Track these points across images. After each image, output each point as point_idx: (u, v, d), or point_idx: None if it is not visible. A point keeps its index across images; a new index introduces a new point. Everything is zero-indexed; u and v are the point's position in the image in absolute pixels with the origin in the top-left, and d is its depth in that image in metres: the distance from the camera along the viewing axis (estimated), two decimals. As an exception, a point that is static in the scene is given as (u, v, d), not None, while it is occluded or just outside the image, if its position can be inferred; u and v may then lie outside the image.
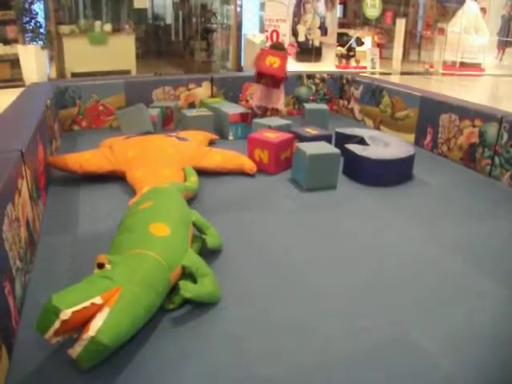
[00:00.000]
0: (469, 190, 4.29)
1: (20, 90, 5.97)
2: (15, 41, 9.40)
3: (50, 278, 2.66)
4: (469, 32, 14.95)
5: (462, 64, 14.93)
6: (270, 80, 5.43)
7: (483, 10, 16.01)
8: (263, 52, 5.54)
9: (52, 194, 3.82)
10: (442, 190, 4.26)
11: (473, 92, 11.54)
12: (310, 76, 6.99)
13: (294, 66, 11.58)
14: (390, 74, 13.15)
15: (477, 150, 4.69)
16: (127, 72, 10.58)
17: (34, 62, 8.97)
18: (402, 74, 13.45)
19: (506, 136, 4.37)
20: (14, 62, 9.39)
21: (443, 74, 13.98)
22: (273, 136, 4.44)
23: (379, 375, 2.03)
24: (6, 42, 9.66)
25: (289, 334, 2.26)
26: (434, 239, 3.28)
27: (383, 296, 2.60)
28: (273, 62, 5.28)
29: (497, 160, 4.48)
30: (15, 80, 9.23)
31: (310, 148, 4.08)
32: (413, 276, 2.82)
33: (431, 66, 14.43)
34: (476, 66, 15.26)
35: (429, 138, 5.34)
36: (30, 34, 8.98)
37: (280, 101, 5.74)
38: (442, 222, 3.58)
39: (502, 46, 17.39)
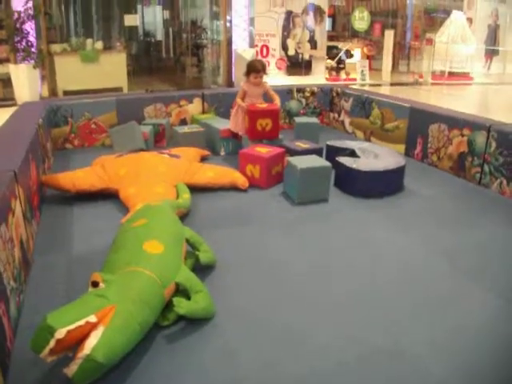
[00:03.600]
0: (459, 198, 4.33)
1: (12, 109, 5.99)
2: (7, 60, 9.45)
3: (45, 297, 2.66)
4: (456, 42, 15.11)
5: (451, 73, 15.08)
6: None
7: (469, 19, 16.22)
8: (251, 115, 4.97)
9: (45, 213, 3.83)
10: (433, 199, 4.30)
11: (462, 101, 11.63)
12: (300, 90, 7.04)
13: (284, 79, 11.69)
14: (380, 85, 13.25)
15: (466, 159, 4.74)
16: (119, 89, 10.64)
17: (25, 80, 9.02)
18: (392, 84, 13.56)
19: (494, 144, 4.42)
20: (6, 81, 9.43)
21: (432, 84, 14.10)
22: (264, 151, 4.48)
23: (373, 383, 2.05)
24: (-2, 61, 9.70)
25: (284, 347, 2.28)
26: (426, 249, 3.31)
27: (376, 305, 2.62)
28: (264, 125, 4.97)
29: (486, 168, 4.54)
30: (7, 99, 9.28)
31: (301, 162, 4.11)
32: (405, 285, 2.84)
33: (420, 76, 14.56)
34: (464, 75, 15.43)
35: (419, 148, 5.40)
36: (22, 54, 9.03)
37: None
38: (433, 231, 3.61)
39: (489, 54, 17.60)
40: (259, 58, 11.31)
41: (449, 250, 3.30)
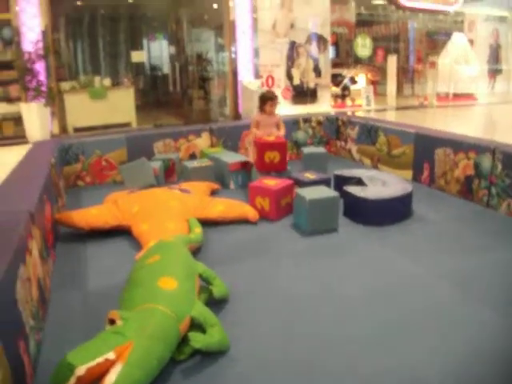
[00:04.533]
0: (468, 222, 4.36)
1: (23, 146, 6.11)
2: (18, 99, 9.66)
3: (63, 334, 2.72)
4: (459, 63, 15.24)
5: (456, 95, 15.18)
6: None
7: (471, 41, 16.39)
8: (260, 146, 5.13)
9: (60, 251, 3.89)
10: (443, 224, 4.33)
11: (468, 122, 11.69)
12: (307, 120, 7.14)
13: (290, 109, 11.81)
14: (385, 109, 13.36)
15: (473, 182, 4.78)
16: (128, 124, 10.81)
17: (36, 119, 9.21)
18: (398, 108, 13.66)
19: (500, 166, 4.47)
20: (17, 120, 9.61)
21: (438, 106, 14.19)
22: (272, 183, 4.54)
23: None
24: (10, 100, 9.90)
25: (298, 377, 2.31)
26: (438, 274, 3.33)
27: (388, 332, 2.65)
28: (272, 157, 5.08)
29: (493, 190, 4.57)
30: (18, 137, 9.45)
31: (310, 193, 4.17)
32: (418, 311, 2.86)
33: (425, 99, 14.66)
34: (469, 96, 15.52)
35: (426, 173, 5.44)
36: (33, 93, 9.23)
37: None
38: (444, 256, 3.63)
39: (493, 74, 17.76)
40: (265, 88, 11.46)
41: (461, 276, 3.31)
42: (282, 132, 5.41)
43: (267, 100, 5.35)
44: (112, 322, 2.24)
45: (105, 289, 3.24)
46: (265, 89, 11.17)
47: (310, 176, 4.90)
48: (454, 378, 2.27)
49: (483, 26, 17.48)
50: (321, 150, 6.22)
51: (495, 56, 18.03)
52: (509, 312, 2.85)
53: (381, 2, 15.98)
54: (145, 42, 15.85)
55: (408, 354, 2.46)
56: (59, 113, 10.26)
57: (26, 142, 8.84)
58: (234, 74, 11.70)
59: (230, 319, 2.78)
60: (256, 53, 11.80)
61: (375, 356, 2.45)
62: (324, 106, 12.88)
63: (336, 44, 16.10)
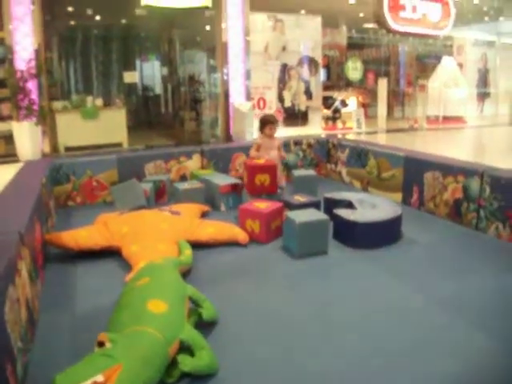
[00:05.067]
0: (457, 244, 4.38)
1: (14, 165, 6.09)
2: (9, 117, 9.67)
3: (51, 356, 2.69)
4: (449, 86, 15.43)
5: (446, 117, 15.34)
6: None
7: (460, 65, 16.65)
8: (250, 169, 5.20)
9: (50, 272, 3.87)
10: (432, 246, 4.35)
11: (457, 145, 11.79)
12: (297, 142, 7.19)
13: (281, 131, 11.87)
14: (376, 132, 13.46)
15: (462, 205, 4.83)
16: (119, 144, 10.83)
17: (27, 138, 9.20)
18: (388, 131, 13.76)
19: (488, 189, 4.52)
20: (8, 138, 9.60)
21: (428, 129, 14.32)
22: (263, 206, 4.55)
23: None
24: (1, 118, 9.92)
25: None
26: (426, 298, 3.34)
27: (377, 356, 2.64)
28: (263, 180, 5.13)
29: (482, 213, 4.61)
30: (9, 155, 9.43)
31: (300, 216, 4.17)
32: (406, 336, 2.86)
33: (415, 122, 14.79)
34: (459, 119, 15.69)
35: (415, 196, 5.48)
36: (24, 111, 9.24)
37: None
38: (432, 279, 3.64)
39: (481, 97, 18.05)
40: (256, 110, 11.54)
41: (449, 299, 3.32)
42: (283, 155, 5.61)
43: (267, 124, 5.46)
44: (101, 344, 2.23)
45: (94, 310, 3.22)
46: (256, 111, 11.26)
47: (300, 199, 4.90)
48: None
49: (472, 50, 17.80)
50: (311, 172, 6.25)
51: (484, 80, 18.34)
52: (498, 335, 2.86)
53: (372, 26, 16.20)
54: (137, 62, 15.95)
55: (399, 376, 2.47)
56: (50, 132, 10.27)
57: (17, 161, 8.84)
58: (226, 95, 11.76)
59: (219, 342, 2.78)
60: (248, 75, 11.88)
61: (364, 379, 2.46)
62: (315, 128, 12.96)
63: (327, 67, 16.27)
